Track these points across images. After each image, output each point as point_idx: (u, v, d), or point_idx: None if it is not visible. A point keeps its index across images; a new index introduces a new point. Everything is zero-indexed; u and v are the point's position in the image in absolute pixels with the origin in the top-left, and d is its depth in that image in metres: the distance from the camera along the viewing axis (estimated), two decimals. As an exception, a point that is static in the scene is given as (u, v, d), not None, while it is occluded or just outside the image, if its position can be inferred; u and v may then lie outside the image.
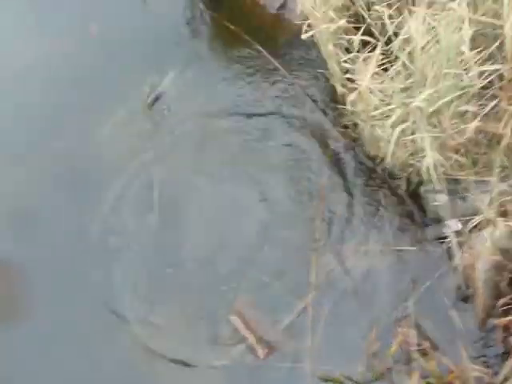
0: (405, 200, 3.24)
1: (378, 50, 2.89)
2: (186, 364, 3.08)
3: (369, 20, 3.20)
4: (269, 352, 3.06)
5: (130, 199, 3.57)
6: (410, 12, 2.80)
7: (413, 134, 2.89)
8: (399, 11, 3.02)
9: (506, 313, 2.85)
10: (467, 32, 2.54)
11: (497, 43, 2.67)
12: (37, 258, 3.44)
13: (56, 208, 3.60)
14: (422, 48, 2.71)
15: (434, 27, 2.67)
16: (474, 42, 2.67)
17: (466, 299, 2.98)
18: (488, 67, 2.65)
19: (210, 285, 3.27)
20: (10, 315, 3.42)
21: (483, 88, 2.80)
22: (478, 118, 2.79)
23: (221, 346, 3.10)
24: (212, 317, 3.18)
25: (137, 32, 4.18)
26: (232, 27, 4.11)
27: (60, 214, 3.57)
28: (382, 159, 3.26)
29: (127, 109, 3.92)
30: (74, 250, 3.44)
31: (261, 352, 3.06)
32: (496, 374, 2.70)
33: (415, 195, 3.22)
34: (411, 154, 3.05)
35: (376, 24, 3.19)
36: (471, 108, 2.76)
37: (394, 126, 2.88)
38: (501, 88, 2.81)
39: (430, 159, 2.88)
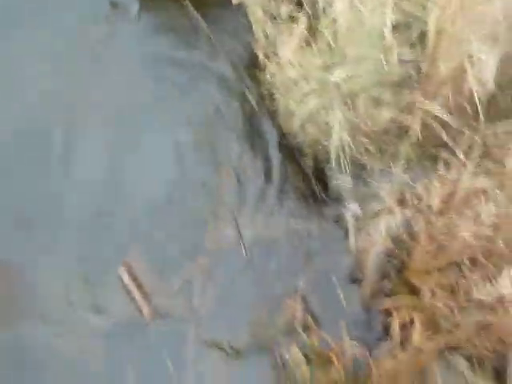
0: (310, 177, 3.26)
1: (302, 24, 2.86)
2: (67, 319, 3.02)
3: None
4: (154, 313, 3.03)
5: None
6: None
7: (326, 111, 2.89)
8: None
9: (389, 298, 2.96)
10: (390, 16, 2.56)
11: (418, 33, 2.71)
12: None
13: None
14: (347, 28, 2.71)
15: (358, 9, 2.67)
16: (398, 31, 2.70)
17: (354, 281, 3.06)
18: (408, 55, 2.68)
19: (103, 234, 3.20)
20: None
21: (400, 79, 2.85)
22: (392, 108, 2.82)
23: (105, 300, 3.05)
24: (98, 267, 3.11)
25: None
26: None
27: None
28: (293, 133, 3.26)
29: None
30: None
31: (146, 312, 3.02)
32: (372, 354, 2.81)
33: (320, 173, 3.25)
34: (322, 132, 3.06)
35: (306, -2, 3.16)
36: (386, 96, 2.78)
37: (308, 102, 2.88)
38: (417, 81, 2.87)
39: (338, 140, 2.91)
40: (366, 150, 3.06)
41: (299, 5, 3.06)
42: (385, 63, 2.67)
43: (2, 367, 2.94)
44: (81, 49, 3.68)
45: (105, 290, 3.06)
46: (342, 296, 2.97)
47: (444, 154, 2.90)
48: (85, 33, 3.71)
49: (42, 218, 3.23)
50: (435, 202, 2.94)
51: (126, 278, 3.06)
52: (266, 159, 3.34)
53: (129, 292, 3.05)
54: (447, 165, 2.90)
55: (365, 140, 3.01)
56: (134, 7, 3.84)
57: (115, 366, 2.94)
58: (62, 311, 3.03)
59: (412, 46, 2.73)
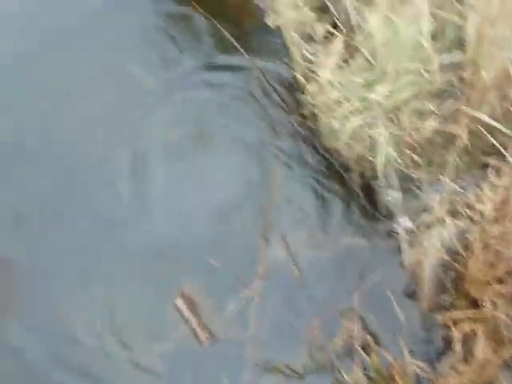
0: (358, 193, 3.25)
1: (340, 43, 2.87)
2: (125, 347, 3.07)
3: (334, 11, 3.17)
4: (211, 338, 3.05)
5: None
6: (372, 6, 2.80)
7: (370, 128, 2.88)
8: (365, 4, 3.02)
9: (448, 311, 2.90)
10: (426, 24, 2.54)
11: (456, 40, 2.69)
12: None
13: None
14: (383, 43, 2.71)
15: (393, 22, 2.67)
16: (434, 40, 2.68)
17: (411, 296, 3.02)
18: (448, 57, 2.65)
19: (155, 265, 3.25)
20: None
21: (443, 88, 2.82)
22: (436, 118, 2.80)
23: (163, 328, 3.08)
24: (157, 298, 3.15)
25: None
26: (200, 9, 4.05)
27: None
28: (338, 151, 3.26)
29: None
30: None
31: (203, 338, 3.04)
32: (435, 369, 2.75)
33: (368, 189, 3.23)
34: (367, 149, 3.05)
35: (341, 15, 3.17)
36: (430, 107, 2.76)
37: (351, 119, 2.88)
38: (460, 89, 2.84)
39: (384, 154, 2.89)
40: (413, 162, 3.03)
41: (333, 23, 3.08)
42: (425, 73, 2.64)
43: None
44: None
45: (163, 317, 3.10)
46: (399, 312, 2.92)
47: (494, 161, 2.85)
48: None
49: (106, 245, 3.33)
50: (488, 210, 2.89)
51: (182, 306, 3.10)
52: (313, 179, 3.34)
53: (185, 319, 3.08)
54: (498, 171, 2.85)
55: (411, 153, 2.99)
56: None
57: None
58: (124, 337, 3.10)
59: (451, 53, 2.70)
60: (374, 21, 2.67)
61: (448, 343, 2.83)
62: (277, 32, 3.63)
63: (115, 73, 3.85)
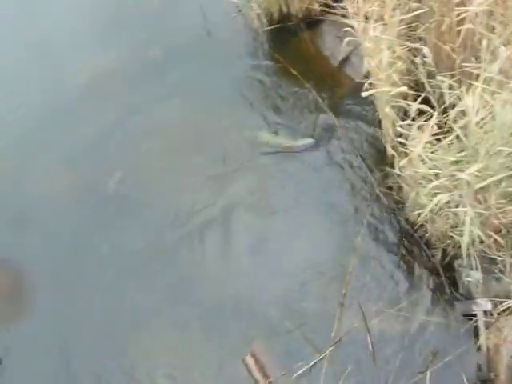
0: (438, 270, 3.21)
1: (433, 120, 2.90)
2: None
3: (428, 88, 3.22)
4: (278, 399, 3.05)
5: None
6: (469, 86, 2.83)
7: (457, 206, 2.87)
8: (459, 83, 3.06)
9: (524, 403, 2.80)
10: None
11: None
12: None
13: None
14: (477, 123, 2.72)
15: (490, 104, 2.68)
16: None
17: (485, 381, 2.92)
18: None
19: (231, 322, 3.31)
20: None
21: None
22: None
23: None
24: (228, 354, 3.20)
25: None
26: (293, 71, 4.21)
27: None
28: (422, 226, 3.25)
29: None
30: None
31: (270, 398, 3.05)
32: None
33: (449, 267, 3.19)
34: (451, 226, 3.03)
35: (434, 93, 3.22)
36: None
37: (439, 196, 2.88)
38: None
39: (469, 234, 2.86)
40: (498, 244, 2.99)
41: (426, 101, 3.12)
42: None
43: None
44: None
45: (232, 373, 3.14)
46: (472, 398, 2.85)
47: None
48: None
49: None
50: None
51: (252, 365, 3.13)
52: (394, 252, 3.34)
53: (254, 379, 3.10)
54: None
55: (495, 234, 2.95)
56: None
57: None
58: None
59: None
60: (469, 101, 2.69)
61: None
62: (368, 103, 3.74)
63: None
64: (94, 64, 4.74)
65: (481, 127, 2.75)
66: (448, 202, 2.92)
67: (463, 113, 2.86)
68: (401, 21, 3.27)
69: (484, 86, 2.74)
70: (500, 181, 2.76)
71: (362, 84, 3.35)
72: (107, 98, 4.50)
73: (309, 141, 3.86)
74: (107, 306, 3.50)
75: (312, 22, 4.51)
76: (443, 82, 3.03)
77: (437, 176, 2.87)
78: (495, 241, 2.97)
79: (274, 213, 3.66)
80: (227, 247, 3.57)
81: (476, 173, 2.72)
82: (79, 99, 4.57)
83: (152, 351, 3.30)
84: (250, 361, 3.14)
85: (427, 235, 3.24)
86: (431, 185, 2.88)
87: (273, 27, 4.60)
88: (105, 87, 4.56)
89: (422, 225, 3.24)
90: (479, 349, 2.96)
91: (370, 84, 3.30)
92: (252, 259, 3.50)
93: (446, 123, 3.01)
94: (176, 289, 3.48)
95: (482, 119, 2.73)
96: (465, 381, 2.90)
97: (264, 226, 3.63)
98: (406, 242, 3.35)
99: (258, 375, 3.10)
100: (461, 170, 2.79)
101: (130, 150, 4.17)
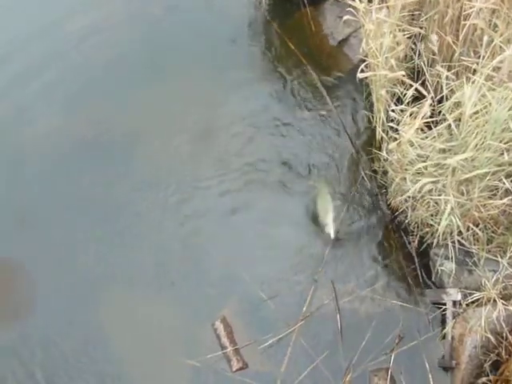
0: (413, 257, 3.26)
1: (427, 107, 2.90)
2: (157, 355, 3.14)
3: (428, 76, 3.23)
4: (242, 366, 3.08)
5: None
6: (468, 79, 2.84)
7: (439, 194, 2.91)
8: (457, 75, 3.08)
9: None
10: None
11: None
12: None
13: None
14: (471, 116, 2.74)
15: (487, 99, 2.70)
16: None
17: (446, 369, 2.99)
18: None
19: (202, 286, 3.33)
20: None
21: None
22: (508, 197, 2.80)
23: (199, 347, 3.13)
24: (199, 318, 3.23)
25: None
26: (291, 46, 4.20)
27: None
28: (402, 212, 3.29)
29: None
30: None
31: (235, 364, 3.07)
32: None
33: (424, 255, 3.24)
34: (431, 215, 3.06)
35: (432, 82, 3.23)
36: (506, 185, 2.76)
37: (422, 183, 2.90)
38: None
39: (448, 224, 2.90)
40: (474, 237, 3.03)
41: (424, 87, 3.13)
42: (506, 154, 2.66)
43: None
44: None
45: (201, 337, 3.17)
46: (432, 382, 2.90)
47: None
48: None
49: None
50: (542, 302, 2.86)
51: (221, 330, 3.15)
52: (372, 235, 3.38)
53: (221, 343, 3.13)
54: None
55: (474, 227, 2.99)
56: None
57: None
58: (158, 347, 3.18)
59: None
60: (467, 92, 2.70)
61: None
62: (362, 85, 3.75)
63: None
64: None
65: (473, 120, 2.77)
66: (431, 190, 2.95)
67: (457, 104, 2.89)
68: (404, 7, 3.27)
69: (483, 81, 2.76)
70: (485, 174, 2.79)
71: (358, 66, 3.34)
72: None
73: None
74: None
75: (316, -1, 4.48)
76: (441, 71, 3.04)
77: (424, 163, 2.89)
78: (473, 233, 3.01)
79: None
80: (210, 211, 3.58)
81: (462, 162, 2.74)
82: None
83: (124, 313, 3.31)
84: (220, 326, 3.17)
85: (406, 221, 3.27)
86: (417, 166, 2.90)
87: (276, -1, 4.56)
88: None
89: (402, 211, 3.28)
90: (444, 337, 3.04)
91: (367, 67, 3.31)
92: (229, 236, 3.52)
93: (439, 112, 3.03)
94: (153, 250, 3.48)
95: (476, 113, 2.75)
96: (427, 366, 2.96)
97: (248, 203, 3.62)
98: (384, 227, 3.39)
99: (225, 341, 3.13)
100: (448, 159, 2.82)
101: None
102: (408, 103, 3.06)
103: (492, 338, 2.86)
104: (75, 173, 3.75)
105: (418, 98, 3.10)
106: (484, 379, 2.88)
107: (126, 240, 3.50)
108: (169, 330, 3.20)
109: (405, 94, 3.07)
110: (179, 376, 3.08)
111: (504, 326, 2.86)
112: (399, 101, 3.20)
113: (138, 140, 3.85)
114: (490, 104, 2.63)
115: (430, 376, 2.93)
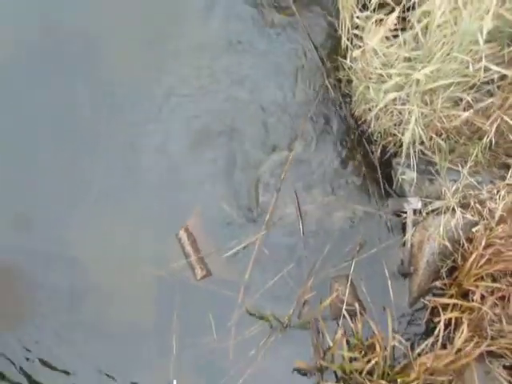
0: (375, 166, 3.29)
1: (395, 14, 2.82)
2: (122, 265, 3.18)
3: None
4: (207, 275, 3.14)
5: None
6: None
7: (403, 104, 2.89)
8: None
9: (438, 296, 2.99)
10: (488, 24, 2.51)
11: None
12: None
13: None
14: (439, 25, 2.68)
15: (458, 9, 2.63)
16: (490, 35, 2.65)
17: (405, 275, 3.10)
18: (495, 67, 2.64)
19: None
20: None
21: (483, 83, 2.81)
22: (470, 109, 2.81)
23: (162, 256, 3.17)
24: (162, 228, 3.24)
25: None
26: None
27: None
28: (365, 121, 3.27)
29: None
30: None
31: (199, 272, 3.13)
32: (414, 349, 2.85)
33: (386, 165, 3.27)
34: (395, 124, 3.06)
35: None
36: (468, 97, 2.75)
37: (387, 92, 2.88)
38: (499, 87, 2.84)
39: (411, 134, 2.91)
40: (437, 147, 3.06)
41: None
42: (471, 66, 2.63)
43: None
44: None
45: (164, 246, 3.19)
46: (391, 288, 3.00)
47: (514, 163, 2.91)
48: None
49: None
50: (498, 210, 2.94)
51: (185, 239, 3.18)
52: (335, 144, 3.37)
53: (185, 252, 3.16)
54: (516, 174, 2.91)
55: (437, 137, 3.00)
56: None
57: (163, 309, 3.10)
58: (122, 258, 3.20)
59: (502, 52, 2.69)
60: (439, 1, 2.62)
61: (431, 327, 2.94)
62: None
63: None
64: None
65: (441, 30, 2.72)
66: (395, 100, 2.93)
67: (426, 14, 2.81)
68: None
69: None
70: (449, 85, 2.77)
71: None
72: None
73: None
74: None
75: None
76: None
77: (388, 71, 2.85)
78: (435, 144, 3.04)
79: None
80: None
81: (428, 74, 2.71)
82: None
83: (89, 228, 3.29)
84: (184, 235, 3.19)
85: (370, 130, 3.27)
86: (381, 72, 2.87)
87: None
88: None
89: (365, 120, 3.27)
90: (404, 244, 3.13)
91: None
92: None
93: (406, 20, 2.95)
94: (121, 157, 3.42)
95: (445, 22, 2.69)
96: (386, 272, 3.06)
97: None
98: (348, 136, 3.38)
99: (189, 249, 3.17)
100: (413, 68, 2.79)
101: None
102: (374, 10, 2.98)
103: (449, 245, 2.97)
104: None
105: (383, 4, 3.02)
106: (439, 283, 3.02)
107: (86, 149, 3.42)
108: (134, 243, 3.21)
109: (370, 0, 2.98)
110: (145, 286, 3.12)
111: (461, 233, 2.97)
112: (365, 7, 3.11)
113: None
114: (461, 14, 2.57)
115: (389, 282, 3.03)
